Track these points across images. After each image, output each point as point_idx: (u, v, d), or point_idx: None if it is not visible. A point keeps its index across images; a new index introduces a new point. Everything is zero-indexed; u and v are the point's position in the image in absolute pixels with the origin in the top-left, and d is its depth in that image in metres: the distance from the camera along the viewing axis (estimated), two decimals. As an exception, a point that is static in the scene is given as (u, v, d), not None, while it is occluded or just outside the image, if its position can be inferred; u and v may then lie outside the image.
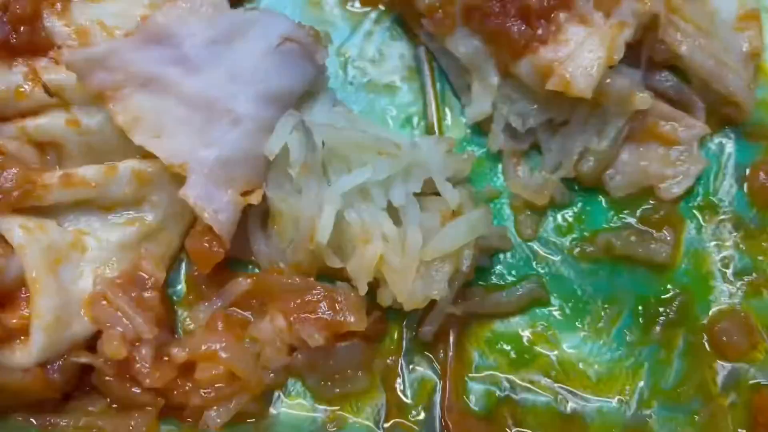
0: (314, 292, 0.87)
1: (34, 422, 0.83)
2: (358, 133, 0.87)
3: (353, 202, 0.86)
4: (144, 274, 0.87)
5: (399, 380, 0.91)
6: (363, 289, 0.85)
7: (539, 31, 0.91)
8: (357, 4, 1.07)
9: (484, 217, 0.89)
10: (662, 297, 0.94)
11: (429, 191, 0.90)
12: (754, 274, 0.95)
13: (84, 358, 0.83)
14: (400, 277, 0.84)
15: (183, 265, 0.95)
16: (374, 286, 0.87)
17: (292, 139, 0.87)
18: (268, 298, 0.89)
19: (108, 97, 0.86)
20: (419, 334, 0.90)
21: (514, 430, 0.89)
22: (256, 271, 0.94)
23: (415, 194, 0.88)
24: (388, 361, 0.91)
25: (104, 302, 0.83)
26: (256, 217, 0.92)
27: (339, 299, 0.87)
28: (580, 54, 0.90)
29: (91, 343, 0.85)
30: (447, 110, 1.03)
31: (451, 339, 0.91)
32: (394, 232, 0.85)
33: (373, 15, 1.07)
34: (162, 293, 0.88)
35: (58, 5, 0.89)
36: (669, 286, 0.95)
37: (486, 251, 0.94)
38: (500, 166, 0.99)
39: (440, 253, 0.86)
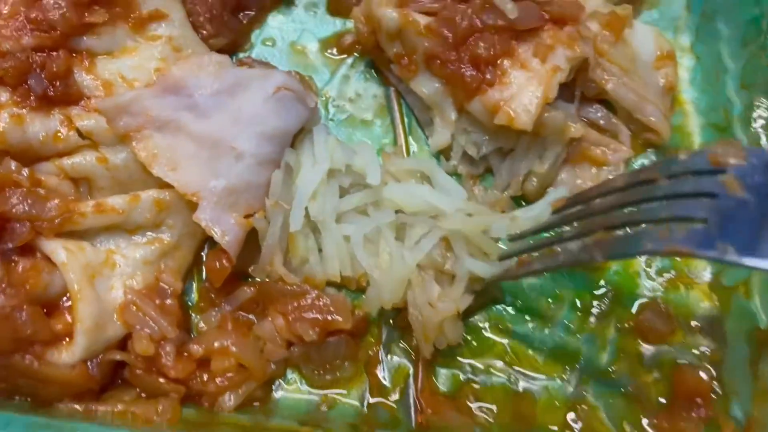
0: (307, 296, 0.95)
1: (79, 409, 0.89)
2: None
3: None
4: (165, 285, 0.94)
5: (380, 367, 0.98)
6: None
7: (487, 75, 0.99)
8: (335, 52, 1.16)
9: None
10: (596, 293, 1.02)
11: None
12: (672, 272, 1.03)
13: (118, 356, 0.90)
14: (390, 285, 0.94)
15: (195, 278, 1.02)
16: (363, 289, 0.97)
17: (276, 175, 0.97)
18: (269, 303, 0.97)
19: (131, 137, 0.94)
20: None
21: (474, 405, 0.96)
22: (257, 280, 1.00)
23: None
24: (370, 352, 0.99)
25: (134, 308, 0.91)
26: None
27: (328, 302, 0.95)
28: (522, 94, 0.97)
29: (121, 344, 0.92)
30: (414, 141, 1.11)
31: (423, 332, 0.98)
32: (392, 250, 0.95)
33: (350, 61, 1.15)
34: (180, 301, 0.96)
35: (86, 62, 0.97)
36: (602, 283, 1.02)
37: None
38: (460, 188, 1.05)
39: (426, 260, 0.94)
